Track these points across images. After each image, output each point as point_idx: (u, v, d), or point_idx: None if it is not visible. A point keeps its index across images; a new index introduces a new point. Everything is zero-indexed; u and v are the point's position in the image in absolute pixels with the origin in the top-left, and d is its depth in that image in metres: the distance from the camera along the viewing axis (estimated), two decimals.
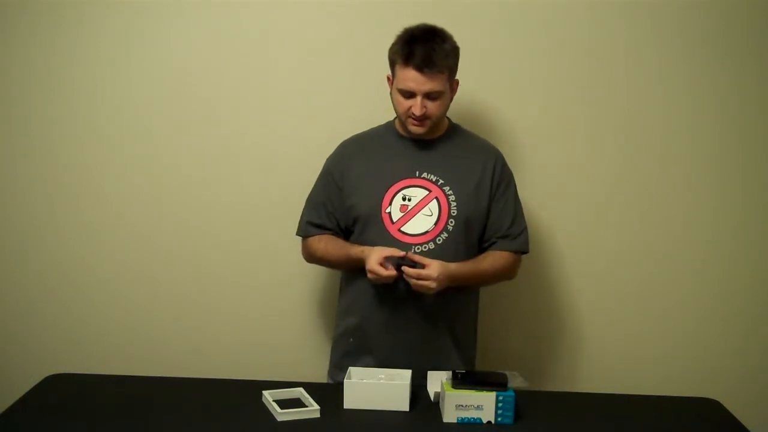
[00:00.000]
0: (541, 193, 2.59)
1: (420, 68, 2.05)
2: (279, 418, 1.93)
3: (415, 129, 2.14)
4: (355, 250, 2.16)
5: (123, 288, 2.67)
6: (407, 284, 2.10)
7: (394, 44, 2.11)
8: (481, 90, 2.55)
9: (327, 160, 2.29)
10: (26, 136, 2.60)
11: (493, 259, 2.21)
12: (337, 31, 2.56)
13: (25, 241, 2.65)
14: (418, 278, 2.04)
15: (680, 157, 2.63)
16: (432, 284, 2.05)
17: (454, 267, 2.11)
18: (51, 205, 2.63)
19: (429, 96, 2.08)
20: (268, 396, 2.01)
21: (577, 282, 2.70)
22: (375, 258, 2.05)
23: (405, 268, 2.04)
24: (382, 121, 2.29)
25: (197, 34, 2.56)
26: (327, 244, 2.24)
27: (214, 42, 2.56)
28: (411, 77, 2.06)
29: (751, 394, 2.67)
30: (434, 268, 2.05)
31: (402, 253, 2.06)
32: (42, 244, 2.65)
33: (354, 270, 2.19)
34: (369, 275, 2.07)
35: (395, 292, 2.14)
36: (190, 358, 2.65)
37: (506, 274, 2.26)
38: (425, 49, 2.04)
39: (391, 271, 2.04)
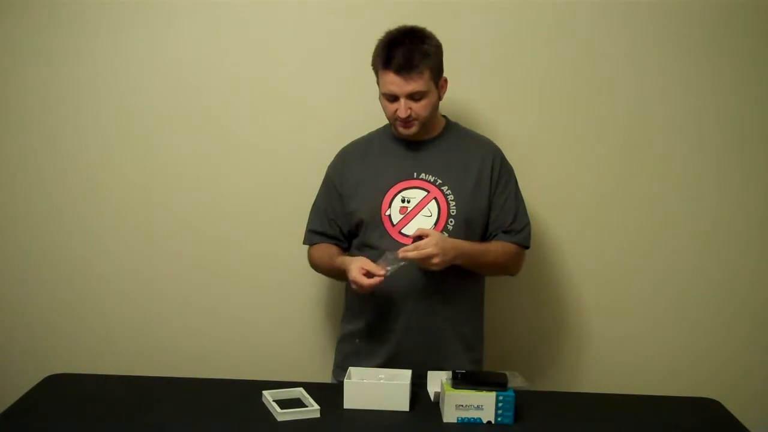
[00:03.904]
0: (542, 193, 2.59)
1: (398, 71, 2.06)
2: (279, 418, 1.93)
3: (404, 131, 2.15)
4: (338, 261, 2.17)
5: (123, 288, 2.67)
6: (414, 287, 2.11)
7: (375, 49, 2.13)
8: (481, 89, 2.55)
9: (328, 167, 2.30)
10: (26, 136, 2.60)
11: (498, 245, 2.21)
12: (338, 31, 2.56)
13: (26, 241, 2.65)
14: (420, 255, 2.02)
15: (681, 156, 2.63)
16: (434, 252, 2.02)
17: (458, 240, 2.11)
18: (51, 205, 2.63)
19: (412, 97, 2.09)
20: (268, 396, 2.01)
21: (577, 282, 2.70)
22: (356, 267, 2.05)
23: (403, 250, 2.03)
24: (385, 122, 2.29)
25: (198, 36, 2.56)
26: (320, 253, 2.27)
27: (214, 44, 2.56)
28: (391, 80, 2.07)
29: (751, 394, 2.67)
30: (431, 236, 2.04)
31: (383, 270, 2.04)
32: (42, 244, 2.65)
33: (343, 279, 2.20)
34: (353, 286, 2.08)
35: (401, 294, 2.14)
36: (191, 358, 2.65)
37: (510, 263, 2.25)
38: (403, 51, 2.05)
39: (373, 280, 2.03)
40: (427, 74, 2.08)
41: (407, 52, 2.05)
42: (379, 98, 2.15)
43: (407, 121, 2.12)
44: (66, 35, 2.55)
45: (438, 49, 2.12)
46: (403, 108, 2.09)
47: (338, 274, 2.21)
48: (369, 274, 2.04)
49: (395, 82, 2.07)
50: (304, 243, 2.32)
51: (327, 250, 2.26)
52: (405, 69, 2.05)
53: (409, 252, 2.03)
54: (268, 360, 2.65)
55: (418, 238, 2.07)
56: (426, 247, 2.03)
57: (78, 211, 2.64)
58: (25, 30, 2.54)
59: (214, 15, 2.54)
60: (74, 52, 2.56)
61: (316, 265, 2.30)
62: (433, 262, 2.03)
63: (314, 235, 2.29)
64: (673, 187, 2.64)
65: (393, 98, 2.10)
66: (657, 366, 2.71)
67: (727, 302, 2.70)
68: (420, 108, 2.10)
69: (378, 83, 2.14)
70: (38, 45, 2.55)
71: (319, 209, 2.29)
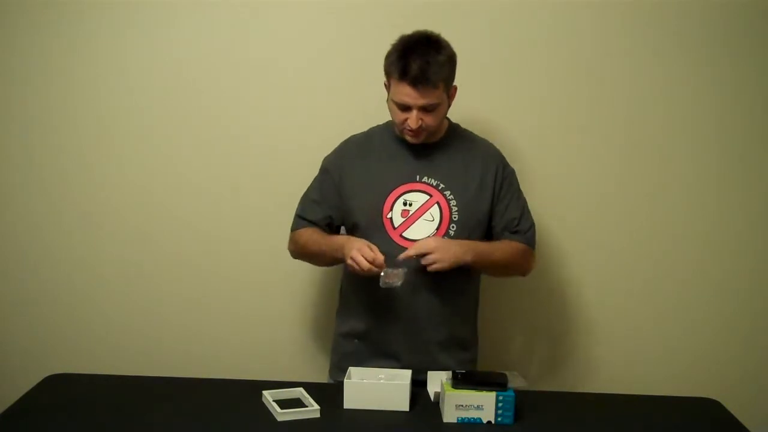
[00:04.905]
0: (542, 193, 2.59)
1: (414, 84, 2.02)
2: (279, 418, 1.93)
3: (411, 140, 2.14)
4: (337, 238, 2.16)
5: (123, 288, 2.67)
6: (410, 288, 2.10)
7: (389, 55, 2.08)
8: (481, 91, 2.55)
9: (325, 159, 2.29)
10: (26, 135, 2.60)
11: (505, 243, 2.20)
12: (338, 32, 2.56)
13: (26, 241, 2.65)
14: (418, 250, 2.04)
15: (681, 156, 2.63)
16: (432, 247, 2.03)
17: (466, 241, 2.11)
18: (51, 205, 2.63)
19: (424, 109, 2.06)
20: (268, 396, 2.01)
21: (576, 283, 2.70)
22: (363, 245, 2.03)
23: (403, 254, 2.03)
24: (382, 122, 2.28)
25: (198, 36, 2.56)
26: (311, 235, 2.23)
27: (214, 44, 2.56)
28: (406, 92, 2.04)
29: (751, 394, 2.67)
30: (427, 239, 2.05)
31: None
32: (42, 244, 2.65)
33: (332, 262, 2.20)
34: (348, 261, 2.04)
35: (398, 295, 2.13)
36: (191, 358, 2.65)
37: (522, 261, 2.23)
38: (420, 63, 2.01)
39: (371, 265, 2.00)
40: (441, 87, 2.06)
41: (424, 65, 2.01)
42: (387, 102, 2.13)
43: (416, 131, 2.10)
44: (66, 35, 2.55)
45: (453, 59, 2.09)
46: (414, 119, 2.06)
47: (331, 252, 2.16)
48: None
49: (410, 94, 2.04)
50: (291, 229, 2.29)
51: (317, 232, 2.23)
52: (421, 82, 2.01)
53: (410, 251, 2.04)
54: (268, 360, 2.66)
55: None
56: (425, 245, 2.04)
57: (78, 211, 2.64)
58: (25, 30, 2.54)
59: (214, 15, 2.54)
60: (74, 52, 2.56)
61: (303, 246, 2.24)
62: (435, 257, 2.03)
63: (303, 221, 2.26)
64: (673, 188, 2.65)
65: (405, 107, 2.07)
66: (657, 366, 2.71)
67: (727, 302, 2.70)
68: (431, 119, 2.09)
69: (388, 88, 2.11)
70: (38, 45, 2.55)
71: (311, 199, 2.26)
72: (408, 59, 2.02)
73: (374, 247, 2.04)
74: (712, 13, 2.55)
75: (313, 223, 2.25)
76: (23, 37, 2.54)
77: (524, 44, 2.56)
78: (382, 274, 2.02)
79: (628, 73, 2.58)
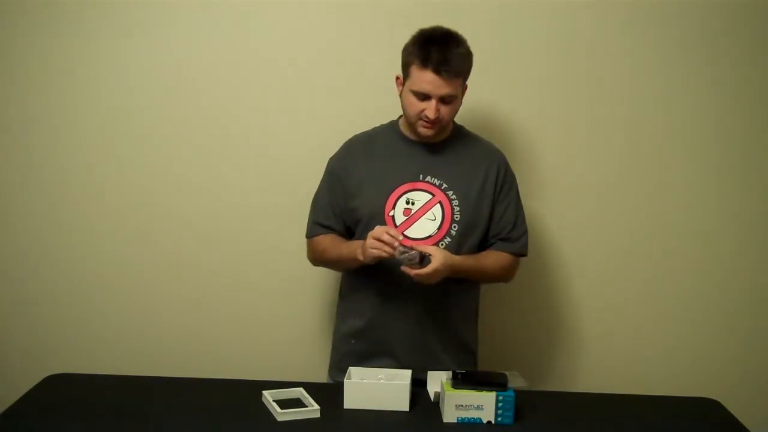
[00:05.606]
0: (542, 192, 2.60)
1: (438, 71, 2.03)
2: (279, 418, 1.93)
3: (425, 132, 2.13)
4: (356, 242, 2.15)
5: (123, 288, 2.67)
6: (410, 289, 2.10)
7: (409, 45, 2.09)
8: (481, 90, 2.53)
9: (330, 160, 2.28)
10: (26, 136, 2.60)
11: (494, 258, 2.22)
12: (338, 32, 2.56)
13: (26, 241, 2.65)
14: (420, 278, 2.03)
15: (680, 156, 2.63)
16: (428, 278, 2.03)
17: (457, 260, 2.10)
18: (51, 205, 2.63)
19: (443, 100, 2.07)
20: (268, 396, 2.01)
21: (577, 282, 2.70)
22: (382, 228, 2.03)
23: (404, 268, 2.03)
24: (385, 122, 2.28)
25: (198, 36, 2.56)
26: (330, 241, 2.23)
27: (215, 44, 2.56)
28: (428, 80, 2.04)
29: (751, 394, 2.67)
30: (434, 262, 2.02)
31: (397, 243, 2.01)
32: (42, 244, 2.65)
33: (352, 266, 2.18)
34: (368, 241, 2.02)
35: (398, 294, 2.14)
36: (190, 358, 2.66)
37: (505, 274, 2.26)
38: (443, 52, 2.03)
39: (388, 247, 1.99)
40: (461, 78, 2.08)
41: (447, 53, 2.03)
42: (401, 96, 2.13)
43: (432, 123, 2.10)
44: (66, 35, 2.55)
45: (471, 55, 2.11)
46: (433, 109, 2.06)
47: (347, 257, 2.15)
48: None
49: (432, 82, 2.04)
50: (307, 235, 2.28)
51: (336, 238, 2.23)
52: (445, 68, 2.03)
53: (420, 274, 2.02)
54: (268, 360, 2.66)
55: (423, 256, 2.04)
56: (425, 273, 2.02)
57: (78, 211, 2.64)
58: (25, 30, 2.54)
59: (215, 15, 2.54)
60: (74, 52, 2.56)
61: (322, 253, 2.24)
62: (415, 279, 2.03)
63: (320, 227, 2.25)
64: (673, 188, 2.65)
65: (424, 97, 2.07)
66: (657, 366, 2.71)
67: (727, 302, 2.70)
68: (447, 111, 2.09)
69: (403, 82, 2.11)
70: (38, 45, 2.55)
71: (323, 203, 2.25)
72: (431, 48, 2.04)
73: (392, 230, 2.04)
74: (712, 13, 2.55)
75: (329, 228, 2.24)
76: (23, 37, 2.54)
77: (524, 44, 2.57)
78: (398, 244, 2.00)
79: (628, 73, 2.58)
